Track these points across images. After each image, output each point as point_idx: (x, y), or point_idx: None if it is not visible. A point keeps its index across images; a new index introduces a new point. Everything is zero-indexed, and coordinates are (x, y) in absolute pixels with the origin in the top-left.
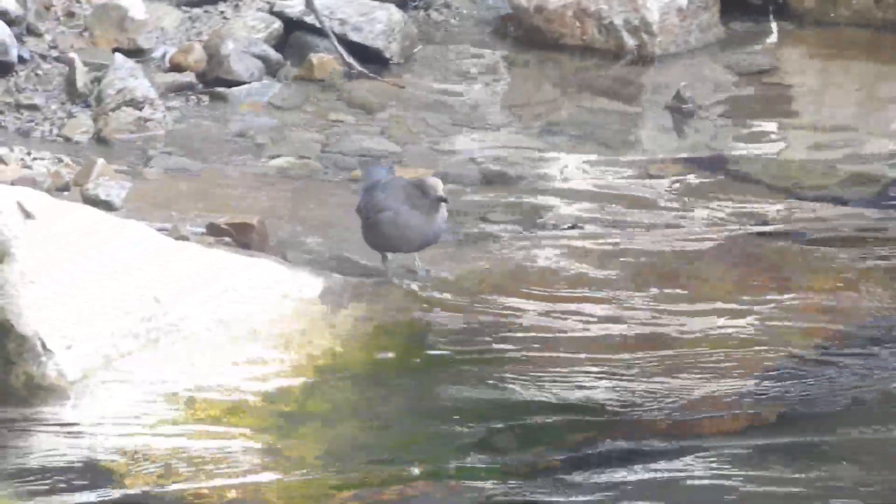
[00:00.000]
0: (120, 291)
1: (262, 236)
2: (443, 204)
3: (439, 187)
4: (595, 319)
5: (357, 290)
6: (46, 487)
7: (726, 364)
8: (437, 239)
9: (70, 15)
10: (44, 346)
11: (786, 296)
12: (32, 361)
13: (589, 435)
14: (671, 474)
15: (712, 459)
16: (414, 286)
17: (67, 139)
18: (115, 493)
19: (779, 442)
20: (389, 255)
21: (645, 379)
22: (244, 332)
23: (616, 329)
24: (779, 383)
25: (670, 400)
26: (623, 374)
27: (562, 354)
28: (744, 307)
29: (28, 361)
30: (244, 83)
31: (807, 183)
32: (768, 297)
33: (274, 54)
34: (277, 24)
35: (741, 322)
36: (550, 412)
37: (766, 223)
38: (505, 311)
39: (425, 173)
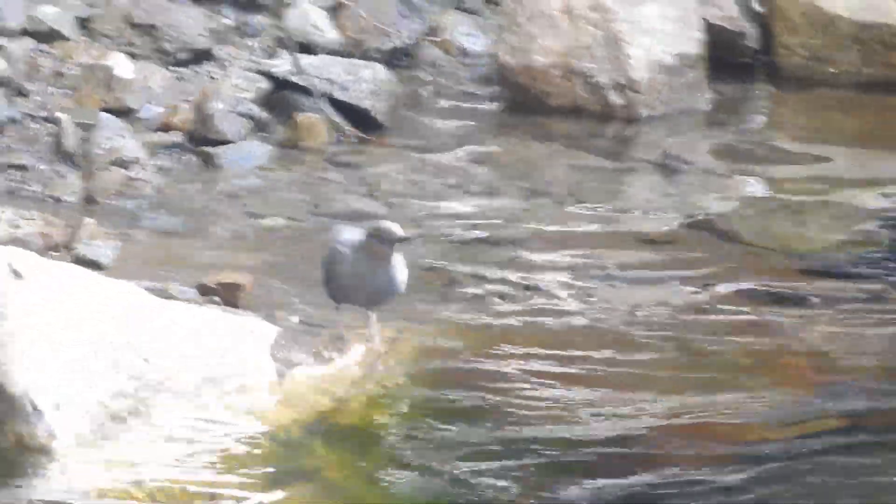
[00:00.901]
0: (109, 350)
1: (250, 296)
2: (401, 258)
3: (398, 229)
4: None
5: (344, 350)
6: None
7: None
8: (396, 292)
9: (58, 75)
10: (33, 406)
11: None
12: (22, 421)
13: None
14: None
15: None
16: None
17: (56, 199)
18: None
19: None
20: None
21: None
22: (233, 390)
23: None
24: None
25: None
26: None
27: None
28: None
29: (18, 421)
30: (231, 142)
31: (795, 245)
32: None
33: (261, 114)
34: (265, 84)
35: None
36: None
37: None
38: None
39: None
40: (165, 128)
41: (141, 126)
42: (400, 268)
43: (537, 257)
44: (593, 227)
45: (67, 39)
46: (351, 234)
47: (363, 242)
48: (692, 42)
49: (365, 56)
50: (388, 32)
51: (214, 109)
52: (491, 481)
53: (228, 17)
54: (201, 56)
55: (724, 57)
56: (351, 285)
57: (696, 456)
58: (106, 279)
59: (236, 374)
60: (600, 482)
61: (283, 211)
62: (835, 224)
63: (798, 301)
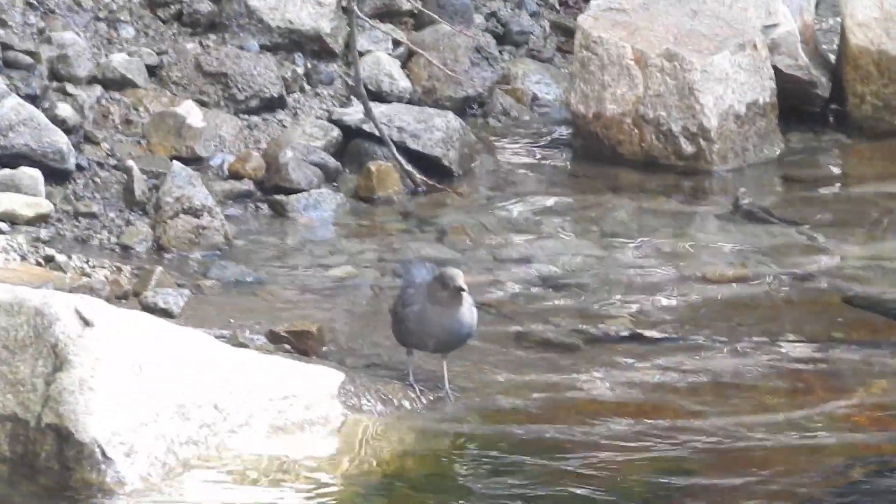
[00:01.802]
0: (179, 398)
1: (320, 344)
2: (471, 302)
3: (458, 277)
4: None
5: (417, 402)
6: None
7: None
8: (465, 336)
9: (128, 122)
10: (103, 452)
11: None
12: (91, 468)
13: None
14: None
15: None
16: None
17: (125, 247)
18: None
19: None
20: (416, 354)
21: None
22: (305, 440)
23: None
24: None
25: None
26: None
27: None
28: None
29: (86, 468)
30: (303, 191)
31: (869, 294)
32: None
33: (332, 162)
34: (336, 132)
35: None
36: None
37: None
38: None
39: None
40: (236, 176)
41: (211, 174)
42: (468, 313)
43: (607, 307)
44: (664, 274)
45: (138, 87)
46: (420, 272)
47: (429, 287)
48: (764, 91)
49: (437, 104)
50: (460, 81)
51: (286, 158)
52: None
53: (300, 65)
54: (272, 104)
55: (795, 105)
56: (419, 330)
57: None
58: (175, 327)
59: (306, 421)
60: None
61: (354, 260)
62: None
63: None
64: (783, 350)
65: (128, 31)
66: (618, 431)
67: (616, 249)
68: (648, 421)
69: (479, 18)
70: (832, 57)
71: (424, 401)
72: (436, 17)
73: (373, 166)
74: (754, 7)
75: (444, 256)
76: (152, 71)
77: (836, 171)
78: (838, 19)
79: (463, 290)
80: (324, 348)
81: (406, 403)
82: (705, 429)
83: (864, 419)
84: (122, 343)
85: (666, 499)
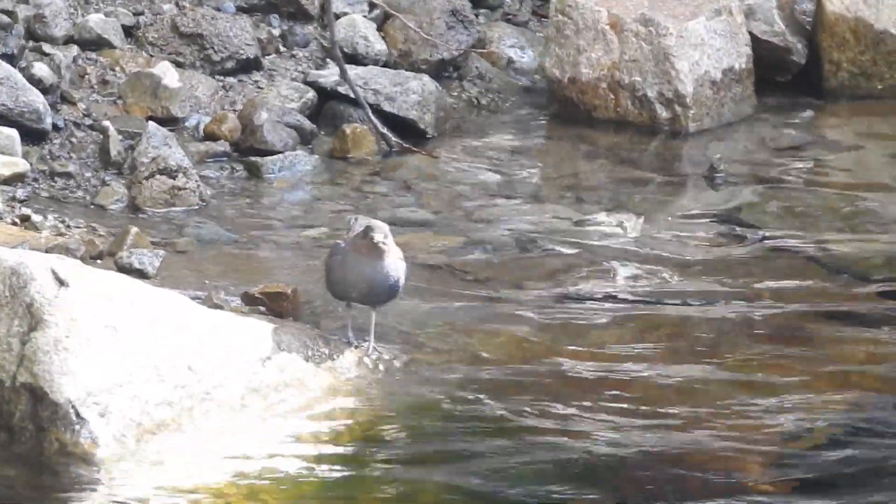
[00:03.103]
0: (153, 359)
1: (295, 305)
2: (399, 257)
3: (379, 232)
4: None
5: (390, 362)
6: None
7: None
8: (387, 289)
9: (104, 83)
10: (77, 413)
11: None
12: (65, 429)
13: None
14: None
15: None
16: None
17: (101, 207)
18: None
19: None
20: (353, 309)
21: None
22: (279, 401)
23: None
24: None
25: None
26: None
27: None
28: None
29: (61, 429)
30: (278, 153)
31: (844, 259)
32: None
33: (308, 124)
34: (311, 94)
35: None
36: None
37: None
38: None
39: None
40: (212, 137)
41: (187, 135)
42: (392, 266)
43: (581, 268)
44: (638, 239)
45: (114, 48)
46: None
47: (353, 238)
48: (740, 57)
49: (412, 67)
50: (436, 44)
51: (262, 119)
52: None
53: (276, 27)
54: (248, 65)
55: (771, 72)
56: (341, 279)
57: None
58: (150, 288)
59: (280, 382)
60: None
61: (329, 221)
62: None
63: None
64: (757, 313)
65: None
66: (589, 390)
67: (590, 214)
68: (619, 378)
69: None
70: (809, 23)
71: (399, 363)
72: None
73: (348, 129)
74: None
75: (418, 218)
76: (129, 31)
77: (811, 136)
78: None
79: (377, 244)
80: (298, 310)
81: (381, 366)
82: (676, 389)
83: (829, 383)
84: (97, 303)
85: (632, 458)
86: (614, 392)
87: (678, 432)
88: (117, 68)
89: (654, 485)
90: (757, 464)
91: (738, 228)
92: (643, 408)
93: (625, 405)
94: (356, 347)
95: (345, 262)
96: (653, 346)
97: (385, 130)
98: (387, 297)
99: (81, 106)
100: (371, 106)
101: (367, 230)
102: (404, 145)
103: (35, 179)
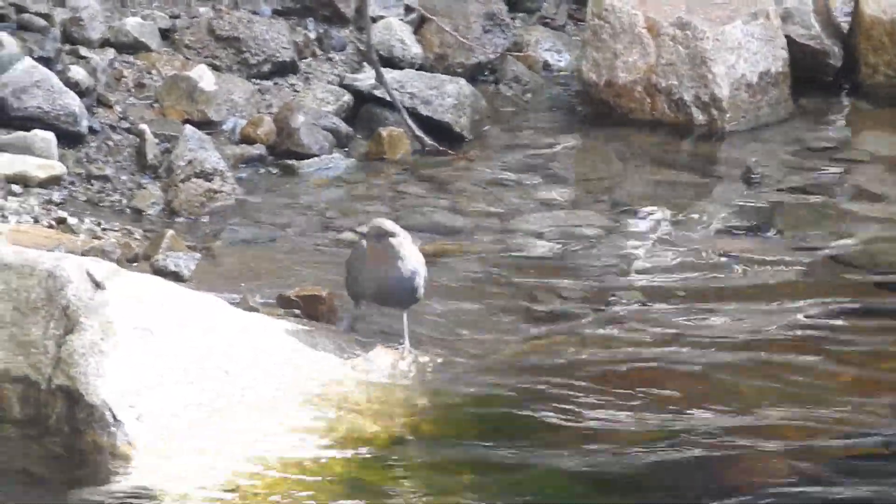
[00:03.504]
0: (188, 361)
1: (330, 308)
2: (413, 258)
3: (378, 226)
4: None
5: (424, 367)
6: None
7: None
8: (397, 288)
9: (140, 86)
10: (113, 415)
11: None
12: (101, 431)
13: None
14: None
15: None
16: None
17: (137, 210)
18: None
19: None
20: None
21: None
22: (312, 403)
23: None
24: None
25: None
26: None
27: None
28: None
29: (97, 431)
30: (314, 156)
31: (880, 260)
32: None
33: (344, 127)
34: (347, 97)
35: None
36: None
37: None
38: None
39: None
40: (248, 140)
41: (223, 138)
42: (404, 266)
43: (617, 272)
44: (673, 243)
45: (150, 51)
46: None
47: (361, 241)
48: (776, 60)
49: (448, 71)
50: (472, 47)
51: (298, 122)
52: None
53: (312, 30)
54: (285, 68)
55: (807, 75)
56: (352, 278)
57: None
58: (186, 290)
59: (314, 384)
60: None
61: (365, 223)
62: None
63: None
64: (793, 319)
65: None
66: (625, 398)
67: (626, 218)
68: (655, 389)
69: None
70: (845, 26)
71: (432, 366)
72: None
73: (384, 132)
74: None
75: (454, 223)
76: (165, 35)
77: (848, 140)
78: None
79: (391, 234)
80: (333, 313)
81: (414, 369)
82: (715, 392)
83: (866, 386)
84: (133, 306)
85: (669, 463)
86: (653, 396)
87: (715, 436)
88: (154, 71)
89: (690, 490)
90: (789, 466)
91: (773, 231)
92: (684, 412)
93: (664, 410)
94: (402, 352)
95: (356, 260)
96: (690, 349)
97: (421, 133)
98: (402, 298)
99: (118, 109)
100: (407, 109)
101: (371, 228)
102: (440, 148)
103: (71, 182)
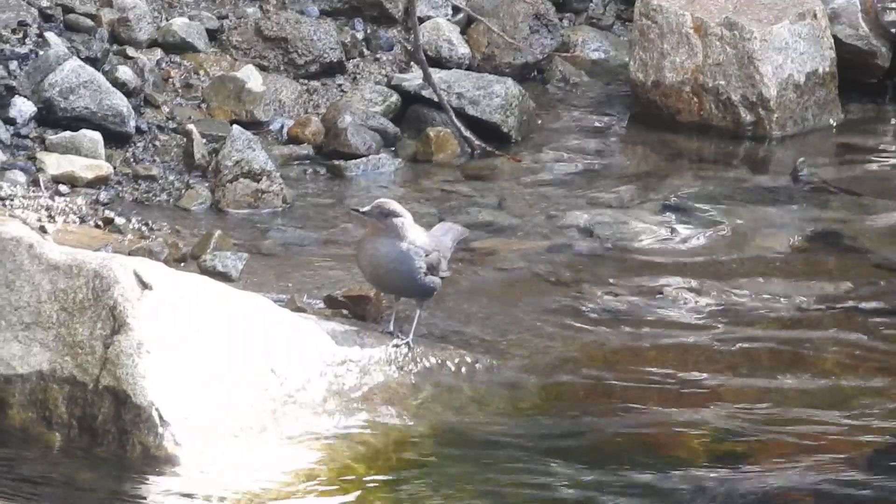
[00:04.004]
0: (236, 362)
1: (378, 308)
2: (421, 245)
3: (379, 205)
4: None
5: (473, 366)
6: None
7: None
8: (393, 273)
9: (188, 86)
10: (160, 416)
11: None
12: (149, 432)
13: None
14: None
15: None
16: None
17: (184, 210)
18: None
19: None
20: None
21: None
22: (361, 404)
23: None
24: None
25: None
26: None
27: None
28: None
29: (144, 432)
30: (361, 156)
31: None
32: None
33: (391, 127)
34: (395, 98)
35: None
36: None
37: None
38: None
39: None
40: (295, 140)
41: (270, 139)
42: (403, 251)
43: (665, 272)
44: (721, 242)
45: (198, 51)
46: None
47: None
48: (824, 60)
49: (496, 71)
50: (520, 47)
51: (345, 122)
52: None
53: (359, 31)
54: (332, 69)
55: (855, 76)
56: (366, 271)
57: None
58: (233, 291)
59: (362, 385)
60: None
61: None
62: None
63: None
64: (842, 320)
65: None
66: (674, 394)
67: (674, 218)
68: (706, 387)
69: None
70: (894, 28)
71: (482, 367)
72: None
73: (431, 132)
74: None
75: (502, 222)
76: (213, 35)
77: (895, 140)
78: None
79: (356, 210)
80: (381, 313)
81: (463, 369)
82: (761, 395)
83: None
84: (180, 306)
85: (719, 461)
86: (702, 398)
87: (765, 441)
88: (201, 72)
89: (742, 495)
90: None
91: (820, 231)
92: (730, 414)
93: (712, 411)
94: (396, 340)
95: (358, 243)
96: (737, 350)
97: (468, 134)
98: (400, 283)
99: (165, 109)
100: (454, 109)
101: (374, 208)
102: (487, 149)
103: (118, 182)
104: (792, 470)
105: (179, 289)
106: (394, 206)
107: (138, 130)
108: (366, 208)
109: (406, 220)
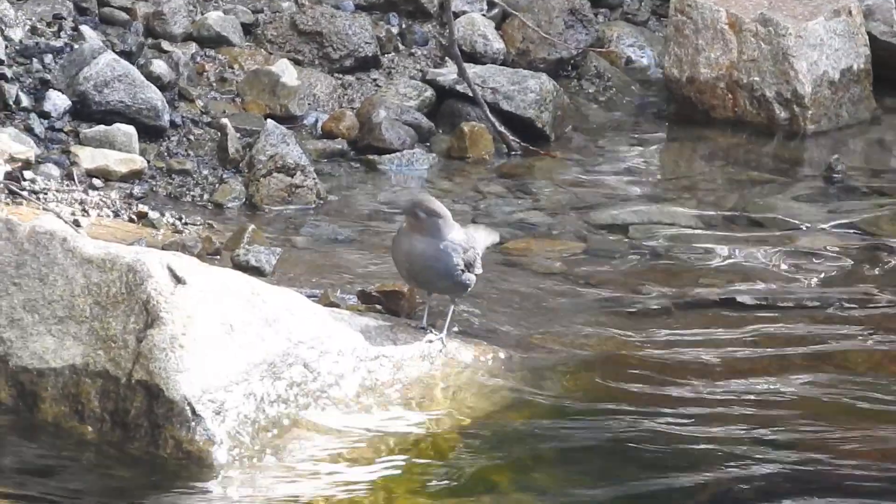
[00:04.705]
0: (269, 357)
1: (411, 304)
2: (459, 240)
3: (419, 201)
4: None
5: (507, 363)
6: None
7: None
8: (432, 269)
9: (222, 80)
10: (193, 411)
11: None
12: (181, 426)
13: None
14: None
15: None
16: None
17: (218, 205)
18: None
19: None
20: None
21: None
22: (395, 400)
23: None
24: None
25: None
26: None
27: None
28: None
29: (176, 426)
30: (395, 151)
31: None
32: None
33: (426, 122)
34: (429, 93)
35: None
36: None
37: None
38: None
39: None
40: (329, 135)
41: (305, 133)
42: (441, 246)
43: (699, 273)
44: (756, 240)
45: (233, 45)
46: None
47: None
48: (858, 57)
49: (531, 66)
50: (555, 43)
51: (380, 117)
52: None
53: (395, 25)
54: (367, 63)
55: (889, 73)
56: (393, 258)
57: None
58: (267, 285)
59: (396, 381)
60: None
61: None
62: None
63: None
64: (874, 318)
65: None
66: (705, 392)
67: (708, 216)
68: (736, 384)
69: None
70: None
71: (516, 363)
72: None
73: (466, 127)
74: None
75: (536, 219)
76: (248, 29)
77: None
78: None
79: (408, 212)
80: (414, 309)
81: (497, 366)
82: (793, 399)
83: None
84: (213, 301)
85: (744, 466)
86: (735, 403)
87: (796, 444)
88: (236, 66)
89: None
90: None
91: (855, 231)
92: (763, 418)
93: (746, 417)
94: (430, 336)
95: (395, 238)
96: (771, 353)
97: (503, 129)
98: (440, 281)
99: (199, 103)
100: (489, 104)
101: (413, 204)
102: (522, 144)
103: (152, 177)
104: (831, 464)
105: (213, 283)
106: (434, 203)
107: (172, 124)
108: (405, 204)
109: (445, 217)
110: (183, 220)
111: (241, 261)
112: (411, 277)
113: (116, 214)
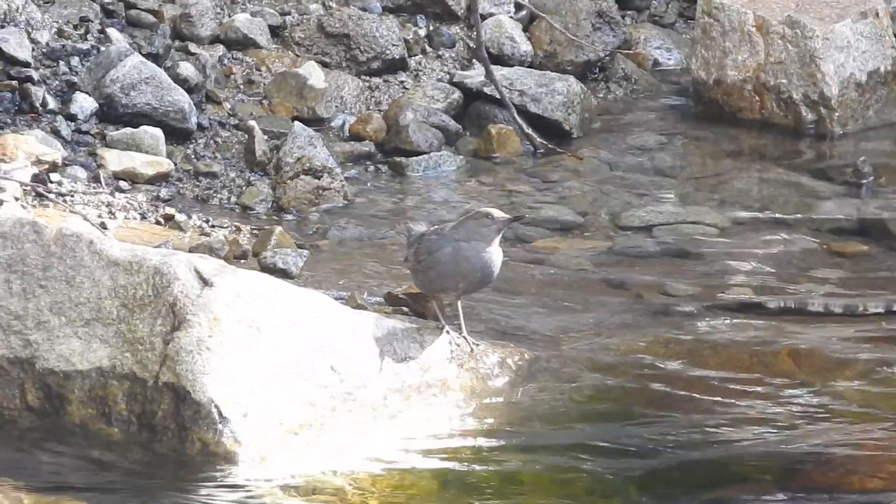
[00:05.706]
0: (296, 359)
1: (438, 306)
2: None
3: (500, 212)
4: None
5: (533, 364)
6: None
7: None
8: (493, 275)
9: (249, 83)
10: (220, 413)
11: None
12: (208, 429)
13: None
14: None
15: None
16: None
17: (245, 207)
18: None
19: None
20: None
21: None
22: (422, 402)
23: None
24: None
25: None
26: None
27: None
28: None
29: (203, 428)
30: (423, 153)
31: None
32: None
33: (453, 124)
34: (457, 95)
35: None
36: None
37: None
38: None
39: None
40: (357, 137)
41: (332, 135)
42: (497, 252)
43: (726, 274)
44: (784, 242)
45: (260, 47)
46: (420, 228)
47: (458, 228)
48: (885, 59)
49: (558, 68)
50: (582, 45)
51: (407, 120)
52: None
53: (422, 27)
54: (394, 65)
55: None
56: (453, 271)
57: None
58: (294, 288)
59: (423, 383)
60: None
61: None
62: None
63: None
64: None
65: None
66: (735, 397)
67: (736, 217)
68: (768, 388)
69: None
70: None
71: (542, 366)
72: None
73: (493, 129)
74: None
75: (563, 219)
76: (275, 31)
77: None
78: None
79: (521, 217)
80: (441, 310)
81: (525, 366)
82: (820, 400)
83: None
84: (240, 303)
85: (777, 465)
86: (766, 408)
87: (821, 444)
88: (263, 68)
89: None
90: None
91: (882, 232)
92: (786, 417)
93: (772, 421)
94: (457, 338)
95: (458, 251)
96: (797, 355)
97: (530, 131)
98: (487, 283)
99: (226, 105)
100: (516, 106)
101: (489, 213)
102: (549, 146)
103: (179, 179)
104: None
105: (239, 286)
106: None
107: (199, 127)
108: (501, 218)
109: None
110: (210, 223)
111: (268, 263)
112: (468, 286)
113: (143, 217)
